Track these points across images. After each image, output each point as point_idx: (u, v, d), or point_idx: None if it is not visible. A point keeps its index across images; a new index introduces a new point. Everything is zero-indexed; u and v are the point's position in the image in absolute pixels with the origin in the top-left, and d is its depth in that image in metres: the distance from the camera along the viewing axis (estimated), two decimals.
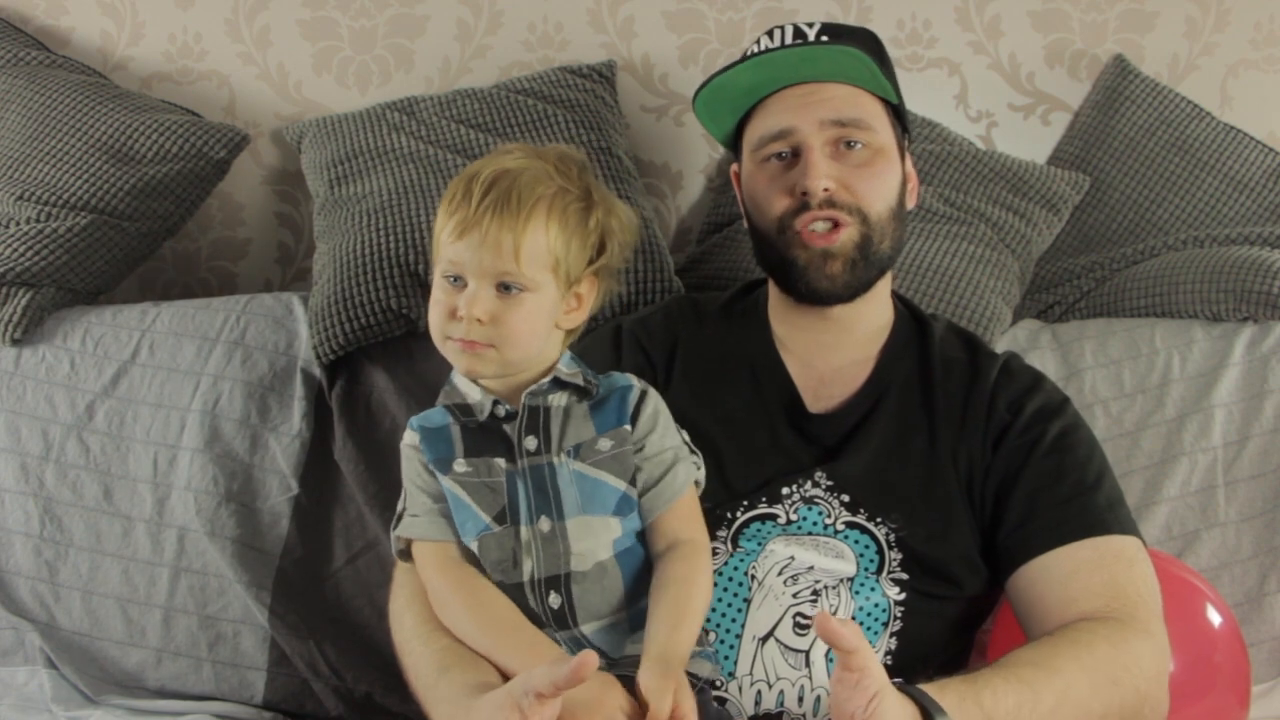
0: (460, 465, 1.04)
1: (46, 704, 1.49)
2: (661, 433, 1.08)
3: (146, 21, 1.96)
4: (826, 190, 1.15)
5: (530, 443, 1.04)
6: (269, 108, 1.96)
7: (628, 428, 1.06)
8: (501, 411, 1.05)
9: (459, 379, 1.09)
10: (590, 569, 1.02)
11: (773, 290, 1.27)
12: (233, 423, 1.59)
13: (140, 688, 1.55)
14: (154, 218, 1.78)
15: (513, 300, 1.02)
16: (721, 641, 1.12)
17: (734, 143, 1.28)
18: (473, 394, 1.07)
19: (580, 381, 1.07)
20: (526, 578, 1.02)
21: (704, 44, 1.94)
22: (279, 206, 2.00)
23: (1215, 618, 1.26)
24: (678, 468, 1.08)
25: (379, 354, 1.61)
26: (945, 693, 0.94)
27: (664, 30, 1.94)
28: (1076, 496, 1.13)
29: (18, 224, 1.69)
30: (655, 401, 1.09)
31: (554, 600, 1.02)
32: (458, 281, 1.03)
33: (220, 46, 1.95)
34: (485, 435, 1.06)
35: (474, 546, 1.04)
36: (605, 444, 1.05)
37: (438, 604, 1.06)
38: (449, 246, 1.03)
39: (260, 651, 1.54)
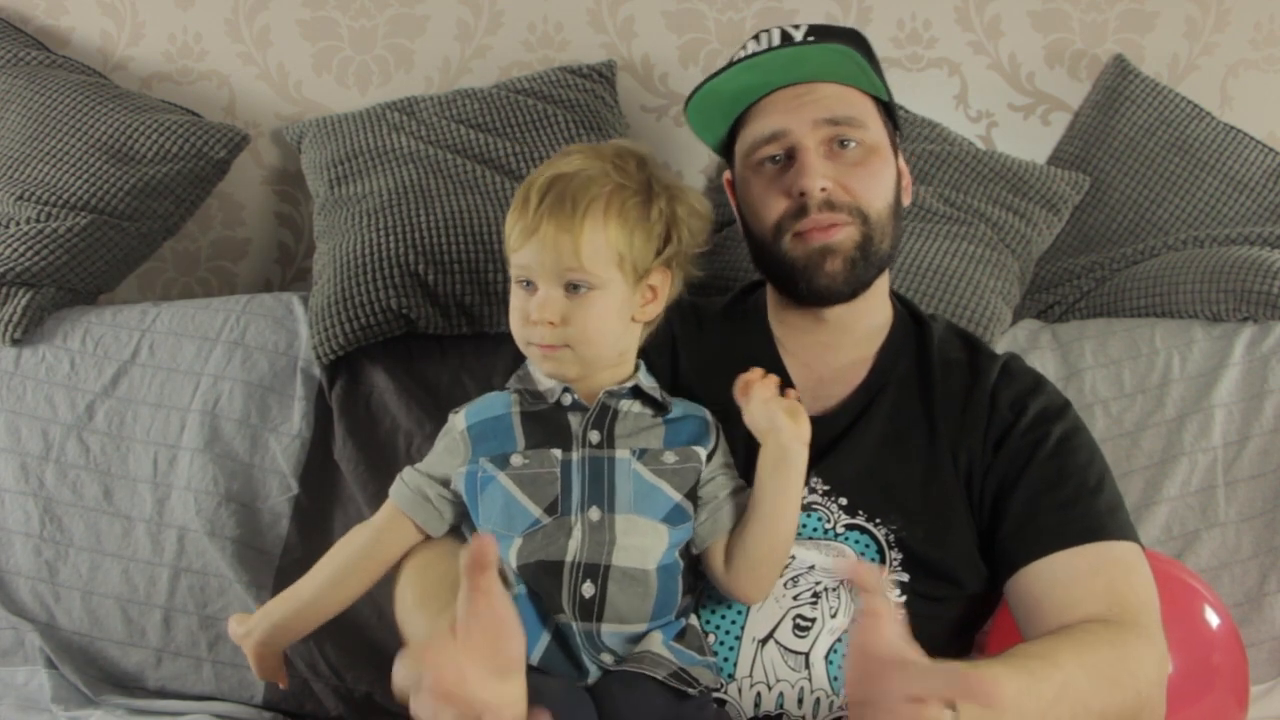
0: (518, 459, 1.04)
1: (46, 704, 1.49)
2: (733, 467, 1.11)
3: (146, 21, 1.96)
4: (824, 190, 1.15)
5: (594, 436, 1.05)
6: (269, 108, 1.97)
7: (698, 450, 1.07)
8: (569, 400, 1.06)
9: (534, 366, 1.10)
10: (631, 570, 1.02)
11: (771, 292, 1.27)
12: (233, 423, 1.59)
13: (140, 688, 1.55)
14: (154, 218, 1.78)
15: (582, 299, 1.03)
16: (721, 643, 1.11)
17: (726, 150, 1.27)
18: (545, 382, 1.08)
19: (658, 395, 1.09)
20: (569, 558, 1.01)
21: (704, 44, 1.94)
22: (279, 206, 2.00)
23: (1213, 619, 1.26)
24: (740, 492, 1.11)
25: (379, 354, 1.61)
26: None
27: (664, 30, 1.94)
28: (1078, 500, 1.12)
29: (18, 224, 1.69)
30: (724, 439, 1.11)
31: (588, 589, 1.01)
32: (529, 286, 1.05)
33: (220, 46, 1.96)
34: (547, 423, 1.06)
35: (512, 550, 1.03)
36: (671, 457, 1.06)
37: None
38: (515, 253, 1.05)
39: None
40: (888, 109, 1.23)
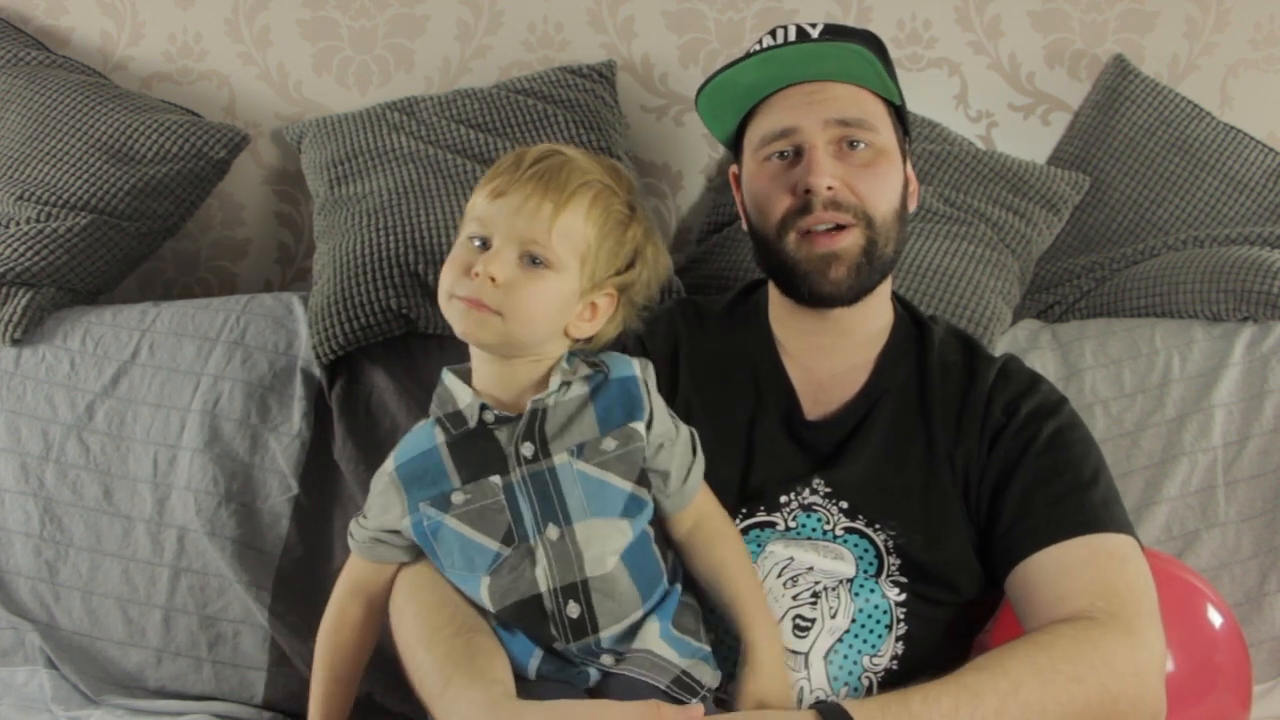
0: (459, 497, 1.00)
1: (46, 704, 1.49)
2: (668, 414, 1.06)
3: (146, 21, 1.96)
4: (830, 189, 1.14)
5: (527, 449, 1.00)
6: (269, 108, 1.97)
7: (636, 427, 1.01)
8: (491, 417, 1.01)
9: (451, 380, 1.04)
10: (607, 573, 1.00)
11: (773, 292, 1.27)
12: (233, 423, 1.59)
13: (140, 688, 1.55)
14: (154, 218, 1.78)
15: (534, 273, 0.97)
16: (721, 643, 1.11)
17: (735, 143, 1.27)
18: (464, 397, 1.02)
19: (586, 372, 1.03)
20: (544, 588, 0.99)
21: (704, 44, 1.94)
22: (279, 206, 2.00)
23: (1216, 618, 1.26)
24: (697, 448, 1.08)
25: (379, 354, 1.61)
26: (866, 704, 0.95)
27: (664, 30, 1.94)
28: (1071, 494, 1.12)
29: (18, 224, 1.69)
30: (652, 378, 1.06)
31: (573, 610, 0.99)
32: (482, 245, 0.98)
33: (220, 46, 1.96)
34: (476, 448, 1.01)
35: (482, 590, 1.01)
36: (610, 444, 1.01)
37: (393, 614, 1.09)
38: (483, 206, 0.99)
39: (260, 651, 1.54)
40: (900, 114, 1.23)
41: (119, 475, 1.58)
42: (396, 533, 1.05)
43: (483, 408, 1.01)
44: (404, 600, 1.08)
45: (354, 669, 1.11)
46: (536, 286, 0.98)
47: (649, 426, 1.03)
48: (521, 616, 1.00)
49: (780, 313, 1.26)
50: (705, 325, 1.28)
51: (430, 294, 1.60)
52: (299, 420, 1.60)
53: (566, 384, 1.02)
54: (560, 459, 1.00)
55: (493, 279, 0.96)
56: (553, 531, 0.99)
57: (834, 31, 1.19)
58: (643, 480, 1.03)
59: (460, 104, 1.83)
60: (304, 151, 1.84)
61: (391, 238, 1.62)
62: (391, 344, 1.62)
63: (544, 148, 1.02)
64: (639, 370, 1.05)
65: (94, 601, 1.56)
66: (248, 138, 1.85)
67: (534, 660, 1.01)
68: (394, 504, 1.03)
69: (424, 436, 1.04)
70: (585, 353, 1.06)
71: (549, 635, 1.00)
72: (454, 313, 0.99)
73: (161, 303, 1.70)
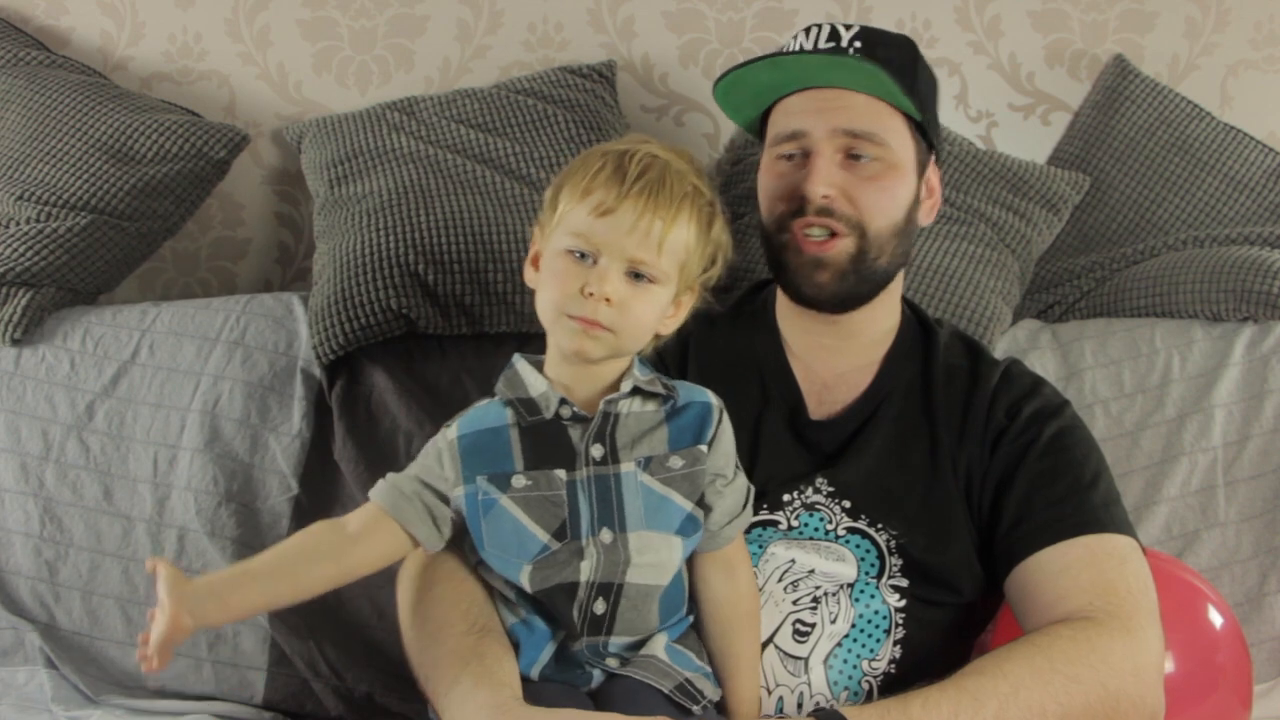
0: (520, 480, 1.00)
1: (46, 704, 1.49)
2: (734, 457, 1.07)
3: (146, 21, 1.96)
4: (826, 198, 1.14)
5: (597, 450, 1.00)
6: (269, 108, 1.97)
7: (703, 449, 1.02)
8: (568, 412, 1.01)
9: (523, 366, 1.04)
10: (645, 586, 1.00)
11: (780, 291, 1.27)
12: (233, 423, 1.59)
13: (140, 688, 1.55)
14: (154, 218, 1.78)
15: (640, 289, 0.98)
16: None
17: (760, 130, 1.26)
18: (537, 386, 1.02)
19: (660, 389, 1.03)
20: (584, 578, 0.99)
21: (704, 44, 1.94)
22: (279, 206, 2.00)
23: (1217, 618, 1.26)
24: (748, 503, 1.08)
25: (379, 354, 1.61)
26: (865, 709, 0.95)
27: (664, 30, 1.94)
28: (1071, 495, 1.13)
29: (18, 224, 1.69)
30: (728, 422, 1.07)
31: (599, 606, 1.00)
32: (585, 258, 0.98)
33: (220, 46, 1.96)
34: (546, 440, 1.01)
35: (522, 575, 1.00)
36: (677, 461, 1.01)
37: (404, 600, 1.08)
38: (585, 222, 0.97)
39: (260, 651, 1.54)
40: (923, 128, 1.20)
41: (119, 475, 1.58)
42: (440, 500, 1.02)
43: (562, 401, 1.01)
44: (416, 591, 1.08)
45: (291, 587, 1.00)
46: (645, 301, 0.99)
47: (710, 448, 1.03)
48: (553, 598, 1.00)
49: (786, 312, 1.26)
50: (713, 323, 1.28)
51: (430, 294, 1.60)
52: (299, 420, 1.60)
53: (638, 390, 1.02)
54: (627, 467, 1.00)
55: (607, 300, 0.96)
56: (606, 535, 1.00)
57: (866, 39, 1.16)
58: (702, 503, 1.03)
59: (460, 104, 1.83)
60: (304, 151, 1.84)
61: (391, 238, 1.62)
62: (391, 344, 1.62)
63: (643, 153, 1.00)
64: (714, 399, 1.06)
65: (94, 601, 1.56)
66: (248, 138, 1.85)
67: (538, 666, 1.02)
68: (447, 470, 1.02)
69: (493, 414, 1.03)
70: (659, 374, 1.06)
71: (570, 621, 1.00)
72: (566, 331, 0.98)
73: (161, 303, 1.70)
